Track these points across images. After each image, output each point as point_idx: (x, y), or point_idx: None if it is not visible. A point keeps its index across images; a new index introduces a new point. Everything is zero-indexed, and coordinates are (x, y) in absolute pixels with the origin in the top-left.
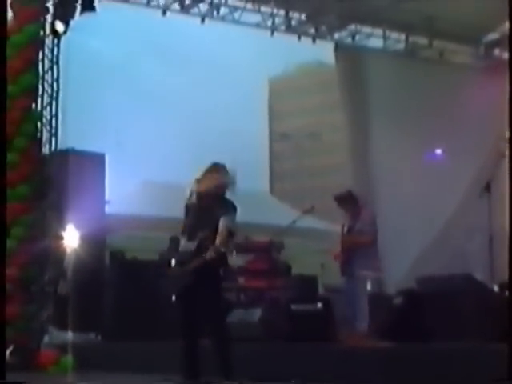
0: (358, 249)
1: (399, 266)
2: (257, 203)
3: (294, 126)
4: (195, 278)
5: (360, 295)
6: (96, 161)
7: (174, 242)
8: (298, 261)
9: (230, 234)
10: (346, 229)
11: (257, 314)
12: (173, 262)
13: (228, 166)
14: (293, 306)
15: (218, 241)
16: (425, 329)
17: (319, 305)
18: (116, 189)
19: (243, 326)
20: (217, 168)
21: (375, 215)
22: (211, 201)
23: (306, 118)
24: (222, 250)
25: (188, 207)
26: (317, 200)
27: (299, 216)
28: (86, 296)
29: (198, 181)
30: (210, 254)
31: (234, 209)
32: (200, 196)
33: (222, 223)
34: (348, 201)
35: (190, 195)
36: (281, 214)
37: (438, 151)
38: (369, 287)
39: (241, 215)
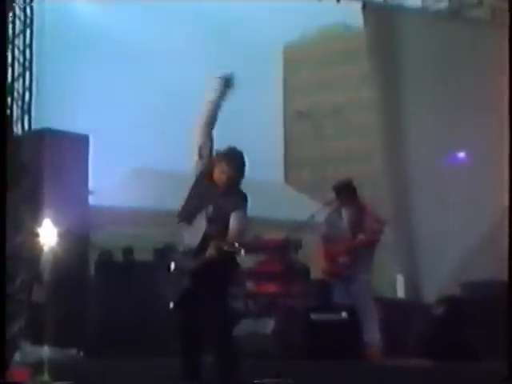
0: (363, 249)
1: (440, 269)
2: (270, 194)
3: (314, 103)
4: (196, 282)
5: (369, 303)
6: (78, 143)
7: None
8: None
9: (241, 234)
10: (343, 225)
11: (269, 325)
12: (172, 263)
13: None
14: (312, 316)
15: (228, 239)
16: (471, 344)
17: (344, 314)
18: (102, 177)
19: (253, 339)
20: (229, 157)
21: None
22: (221, 190)
23: (329, 93)
24: (225, 248)
25: (196, 185)
26: None
27: (320, 209)
28: (66, 304)
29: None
30: (210, 252)
31: (246, 201)
32: (209, 178)
33: (234, 221)
34: (349, 192)
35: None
36: (298, 207)
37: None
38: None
39: (251, 208)
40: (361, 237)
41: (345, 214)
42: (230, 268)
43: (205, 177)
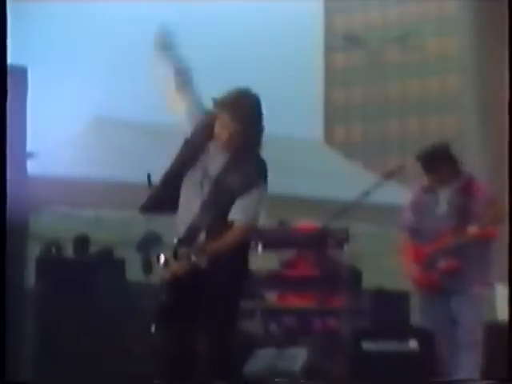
0: (475, 247)
1: None
2: (303, 160)
3: (368, 25)
4: (189, 293)
5: (474, 327)
6: (12, 80)
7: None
8: (374, 263)
9: (248, 229)
10: (442, 211)
11: (300, 357)
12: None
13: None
14: (365, 345)
15: (220, 242)
16: None
17: (413, 343)
18: (46, 131)
19: (275, 377)
20: (234, 103)
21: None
22: (223, 155)
23: (390, 11)
24: (193, 258)
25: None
26: (407, 155)
27: (377, 183)
28: None
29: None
30: (179, 263)
31: (262, 175)
32: (209, 135)
33: (238, 209)
34: (447, 162)
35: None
36: (343, 179)
37: None
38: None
39: (273, 182)
40: (472, 228)
41: (443, 195)
42: (240, 271)
43: (201, 134)
